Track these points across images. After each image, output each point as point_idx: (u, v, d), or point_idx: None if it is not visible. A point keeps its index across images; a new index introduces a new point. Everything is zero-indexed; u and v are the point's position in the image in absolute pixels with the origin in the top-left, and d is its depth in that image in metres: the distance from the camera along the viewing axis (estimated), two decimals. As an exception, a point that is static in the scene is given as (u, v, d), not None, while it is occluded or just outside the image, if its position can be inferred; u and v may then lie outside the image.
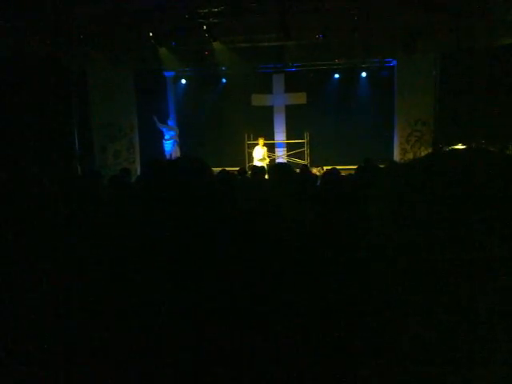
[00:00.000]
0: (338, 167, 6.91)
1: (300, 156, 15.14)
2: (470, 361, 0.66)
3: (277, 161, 13.99)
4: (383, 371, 0.77)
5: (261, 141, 13.02)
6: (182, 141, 14.76)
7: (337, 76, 14.74)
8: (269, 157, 13.53)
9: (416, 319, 0.70)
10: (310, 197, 3.29)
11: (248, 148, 15.10)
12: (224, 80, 15.22)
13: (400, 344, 0.73)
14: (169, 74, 15.16)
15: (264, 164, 11.74)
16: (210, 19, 10.21)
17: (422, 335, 0.69)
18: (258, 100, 15.38)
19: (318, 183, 5.03)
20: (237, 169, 8.29)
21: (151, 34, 10.99)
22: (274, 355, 1.10)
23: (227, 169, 7.04)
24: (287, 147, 15.65)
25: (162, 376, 1.09)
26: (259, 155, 12.78)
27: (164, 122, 14.40)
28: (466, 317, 0.65)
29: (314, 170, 11.85)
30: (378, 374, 0.79)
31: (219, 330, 1.12)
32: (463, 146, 8.95)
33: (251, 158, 15.01)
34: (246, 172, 7.85)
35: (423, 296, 0.69)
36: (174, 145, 14.31)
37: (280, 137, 15.62)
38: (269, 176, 4.02)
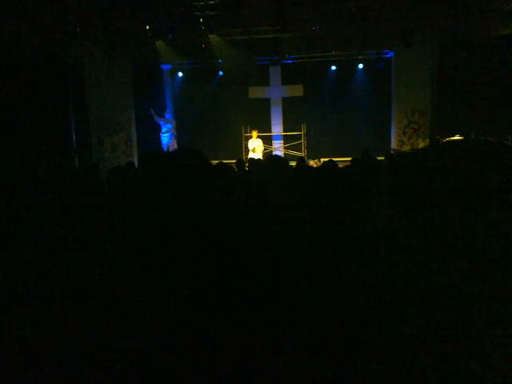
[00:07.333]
0: (335, 159, 6.90)
1: (297, 148, 15.15)
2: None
3: (273, 153, 13.97)
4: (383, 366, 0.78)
5: (254, 133, 13.01)
6: (179, 134, 14.73)
7: (334, 68, 14.69)
8: (265, 149, 13.48)
9: (418, 310, 0.71)
10: (307, 189, 3.29)
11: (245, 140, 15.10)
12: (221, 72, 15.15)
13: (399, 333, 0.74)
14: (166, 67, 15.12)
15: (260, 156, 11.79)
16: (207, 12, 10.16)
17: (422, 322, 0.70)
18: (255, 92, 15.37)
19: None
20: (234, 161, 8.26)
21: (148, 28, 10.94)
22: (274, 351, 1.11)
23: (224, 161, 7.03)
24: (284, 139, 15.65)
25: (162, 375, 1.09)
26: (251, 147, 12.81)
27: (161, 115, 14.37)
28: (465, 300, 0.66)
29: (311, 163, 11.87)
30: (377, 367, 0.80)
31: (217, 324, 1.12)
32: (461, 138, 8.95)
33: (248, 151, 15.02)
34: (243, 164, 7.84)
35: (428, 289, 0.70)
36: (171, 138, 14.29)
37: (277, 129, 15.62)
38: (262, 168, 4.00)
